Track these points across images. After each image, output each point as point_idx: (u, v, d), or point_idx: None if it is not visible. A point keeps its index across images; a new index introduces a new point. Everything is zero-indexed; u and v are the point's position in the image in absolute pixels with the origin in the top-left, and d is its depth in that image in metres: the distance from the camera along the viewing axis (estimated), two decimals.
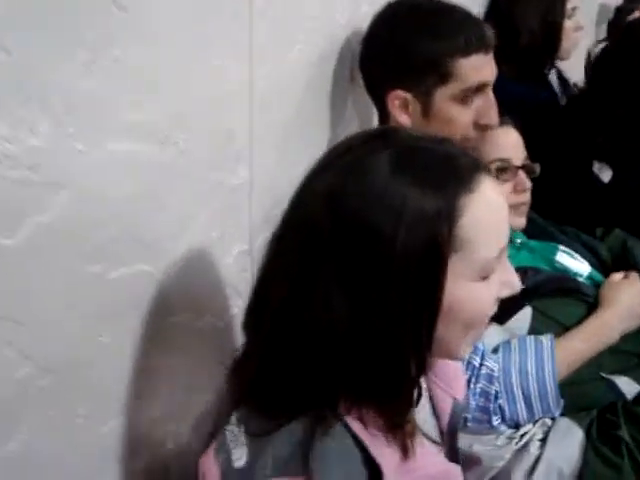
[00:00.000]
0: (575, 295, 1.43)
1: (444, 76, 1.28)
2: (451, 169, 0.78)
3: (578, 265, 1.55)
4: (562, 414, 1.32)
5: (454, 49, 1.27)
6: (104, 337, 0.90)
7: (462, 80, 1.28)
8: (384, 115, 1.37)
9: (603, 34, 3.24)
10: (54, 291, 0.81)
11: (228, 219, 1.12)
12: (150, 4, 0.87)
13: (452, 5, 1.33)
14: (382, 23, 1.37)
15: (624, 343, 1.40)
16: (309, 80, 1.32)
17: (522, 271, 1.31)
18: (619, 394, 1.37)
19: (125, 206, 0.89)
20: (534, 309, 1.37)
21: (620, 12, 3.20)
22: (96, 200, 0.84)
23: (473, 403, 1.23)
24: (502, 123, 1.44)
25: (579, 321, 1.39)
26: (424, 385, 0.94)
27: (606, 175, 1.81)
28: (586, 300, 1.43)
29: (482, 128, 1.33)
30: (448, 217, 0.76)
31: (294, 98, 1.28)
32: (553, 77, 2.34)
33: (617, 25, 3.00)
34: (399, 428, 0.81)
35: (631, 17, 2.75)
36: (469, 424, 1.23)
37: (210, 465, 0.83)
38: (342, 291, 0.76)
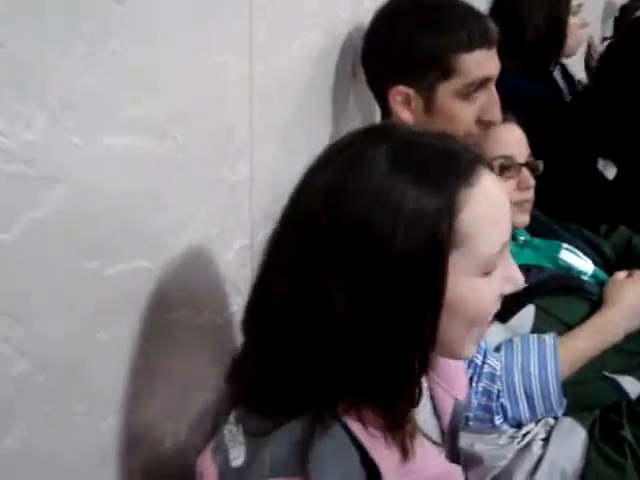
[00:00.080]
0: (579, 293, 1.42)
1: (447, 71, 1.27)
2: (450, 164, 0.77)
3: (582, 263, 1.54)
4: (565, 414, 1.31)
5: (457, 44, 1.26)
6: (102, 334, 0.90)
7: (465, 75, 1.27)
8: (386, 111, 1.35)
9: (609, 31, 3.23)
10: (51, 287, 0.81)
11: (228, 215, 1.12)
12: None
13: (455, 0, 1.32)
14: (384, 18, 1.36)
15: (627, 342, 1.39)
16: (310, 76, 1.31)
17: (525, 269, 1.29)
18: (623, 393, 1.37)
19: (123, 201, 0.89)
20: (537, 307, 1.36)
21: (626, 10, 3.19)
22: (93, 195, 0.84)
23: (475, 402, 1.22)
24: (505, 120, 1.43)
25: (582, 320, 1.38)
26: (425, 384, 0.93)
27: (610, 172, 1.80)
28: (590, 298, 1.42)
29: (485, 124, 1.32)
30: (448, 213, 0.75)
31: (295, 94, 1.27)
32: (558, 74, 2.33)
33: (623, 22, 2.99)
34: (399, 428, 0.81)
35: (637, 14, 2.74)
36: (471, 423, 1.23)
37: (208, 464, 0.82)
38: (342, 288, 0.75)
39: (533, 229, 1.57)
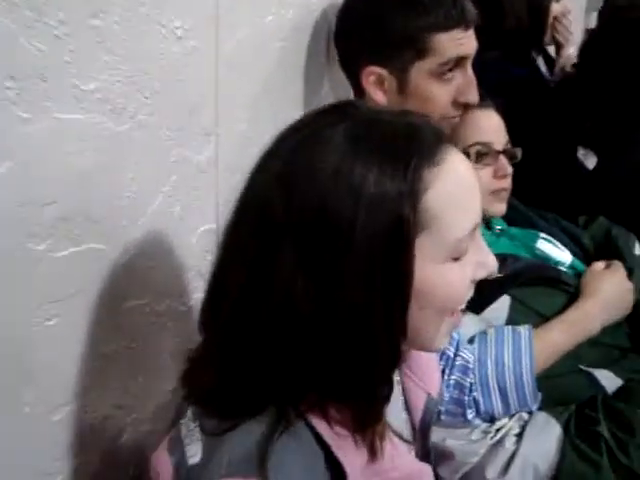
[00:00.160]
0: (555, 284, 1.40)
1: (421, 51, 1.24)
2: (413, 142, 0.74)
3: (559, 253, 1.52)
4: (540, 408, 1.29)
5: (433, 24, 1.23)
6: (51, 320, 0.87)
7: (440, 54, 1.25)
8: (359, 93, 1.33)
9: (593, 23, 3.23)
10: None
11: (192, 197, 1.09)
12: None
13: None
14: None
15: (604, 335, 1.37)
16: (281, 54, 1.28)
17: (501, 258, 1.26)
18: (599, 388, 1.35)
19: (74, 180, 0.85)
20: (512, 298, 1.33)
21: (608, 1, 3.19)
22: (42, 173, 0.80)
23: (447, 395, 1.20)
24: (483, 106, 1.41)
25: (559, 311, 1.36)
26: (397, 378, 0.90)
27: (591, 162, 1.79)
28: (567, 290, 1.40)
29: (462, 106, 1.30)
30: (411, 194, 0.71)
31: (264, 72, 1.24)
32: (541, 61, 2.32)
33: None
34: (369, 426, 0.78)
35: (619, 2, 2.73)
36: (442, 417, 1.20)
37: (163, 460, 0.80)
38: (303, 278, 0.71)
39: (510, 218, 1.55)
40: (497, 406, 1.23)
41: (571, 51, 2.26)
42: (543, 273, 1.40)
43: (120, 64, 0.88)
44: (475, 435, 1.24)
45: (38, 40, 0.76)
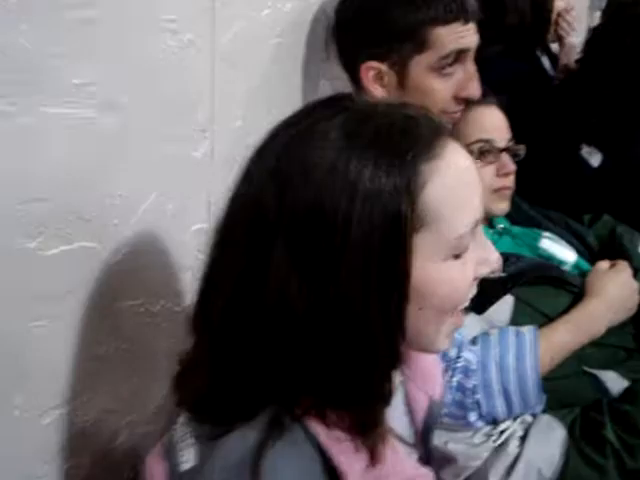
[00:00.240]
0: (560, 284, 1.38)
1: (421, 45, 1.23)
2: (409, 135, 0.72)
3: (563, 252, 1.50)
4: (544, 410, 1.28)
5: (433, 17, 1.22)
6: (42, 320, 0.86)
7: (439, 48, 1.23)
8: (358, 88, 1.32)
9: (596, 22, 3.22)
10: None
11: (185, 195, 1.08)
12: None
13: None
14: None
15: (609, 336, 1.35)
16: (278, 48, 1.27)
17: (503, 258, 1.25)
18: (603, 390, 1.34)
19: (65, 177, 0.84)
20: (516, 298, 1.32)
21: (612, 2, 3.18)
22: (30, 169, 0.79)
23: (449, 397, 1.18)
24: (486, 103, 1.40)
25: (564, 311, 1.34)
26: (399, 379, 0.88)
27: (595, 159, 1.78)
28: (571, 290, 1.38)
29: (463, 101, 1.29)
30: (408, 189, 0.69)
31: (261, 66, 1.23)
32: (545, 58, 2.31)
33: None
34: (369, 430, 0.75)
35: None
36: (444, 419, 1.19)
37: (157, 465, 0.79)
38: (298, 276, 0.69)
39: (513, 217, 1.53)
40: (500, 409, 1.22)
41: (573, 39, 2.25)
42: (546, 272, 1.38)
43: (111, 57, 0.87)
44: (478, 438, 1.22)
45: (25, 31, 0.74)
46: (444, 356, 1.15)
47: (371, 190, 0.68)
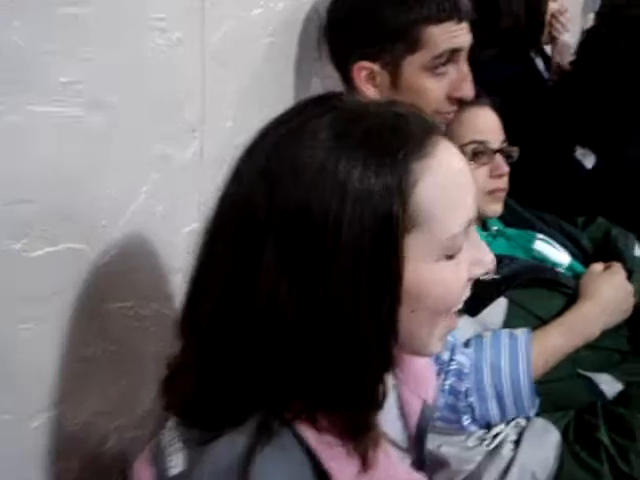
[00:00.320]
0: (553, 286, 1.38)
1: (413, 44, 1.22)
2: (399, 133, 0.71)
3: (557, 255, 1.50)
4: (538, 414, 1.28)
5: (425, 17, 1.21)
6: (28, 323, 0.85)
7: (432, 48, 1.23)
8: (350, 88, 1.31)
9: (590, 24, 3.22)
10: None
11: (175, 196, 1.07)
12: None
13: None
14: None
15: (604, 339, 1.35)
16: (269, 47, 1.26)
17: (497, 260, 1.25)
18: (598, 393, 1.33)
19: (51, 176, 0.83)
20: (509, 301, 1.31)
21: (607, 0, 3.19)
22: (15, 169, 0.78)
23: (442, 401, 1.18)
24: (480, 104, 1.40)
25: (557, 314, 1.34)
26: (391, 383, 0.87)
27: (589, 161, 1.77)
28: (565, 292, 1.38)
29: (456, 102, 1.28)
30: (399, 189, 0.68)
31: (252, 66, 1.22)
32: (539, 60, 2.30)
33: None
34: (361, 434, 0.74)
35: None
36: (437, 423, 1.18)
37: (144, 471, 0.78)
38: (287, 278, 0.68)
39: (507, 219, 1.53)
40: (493, 412, 1.21)
41: (567, 38, 2.24)
42: (540, 275, 1.38)
43: (99, 55, 0.86)
44: (471, 442, 1.22)
45: (18, 28, 0.74)
46: (437, 359, 1.14)
47: (361, 191, 0.67)
